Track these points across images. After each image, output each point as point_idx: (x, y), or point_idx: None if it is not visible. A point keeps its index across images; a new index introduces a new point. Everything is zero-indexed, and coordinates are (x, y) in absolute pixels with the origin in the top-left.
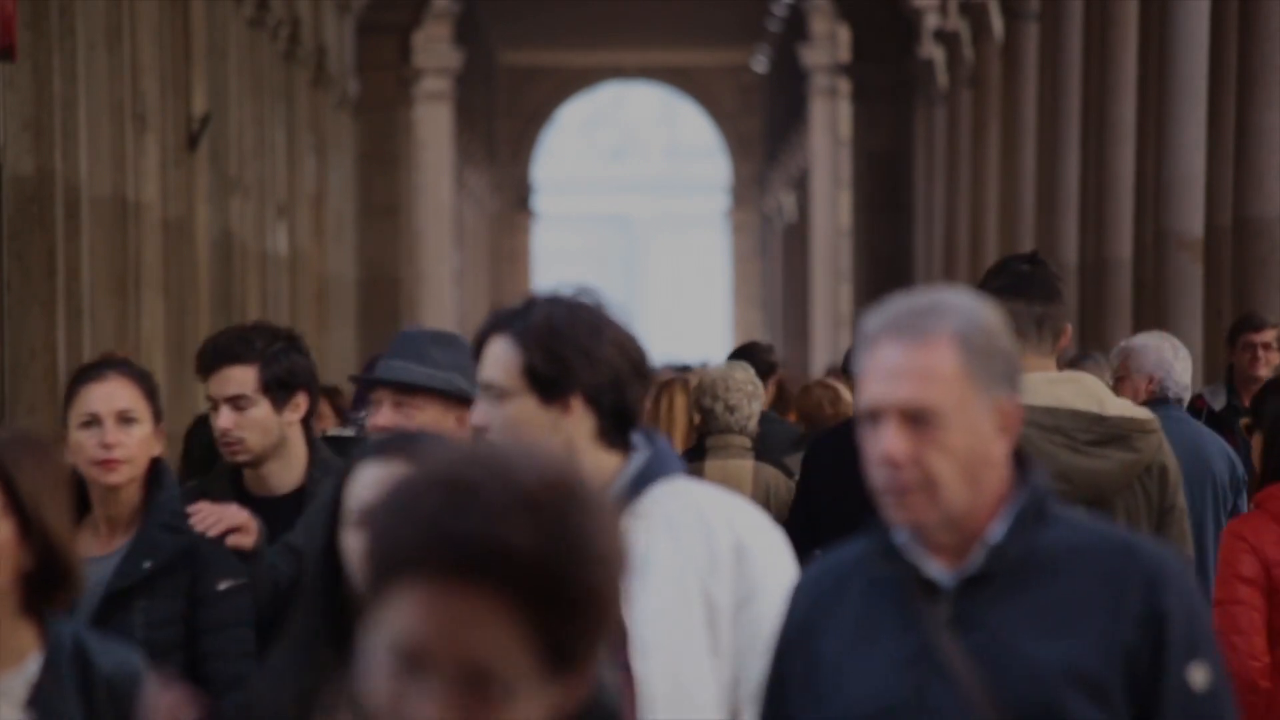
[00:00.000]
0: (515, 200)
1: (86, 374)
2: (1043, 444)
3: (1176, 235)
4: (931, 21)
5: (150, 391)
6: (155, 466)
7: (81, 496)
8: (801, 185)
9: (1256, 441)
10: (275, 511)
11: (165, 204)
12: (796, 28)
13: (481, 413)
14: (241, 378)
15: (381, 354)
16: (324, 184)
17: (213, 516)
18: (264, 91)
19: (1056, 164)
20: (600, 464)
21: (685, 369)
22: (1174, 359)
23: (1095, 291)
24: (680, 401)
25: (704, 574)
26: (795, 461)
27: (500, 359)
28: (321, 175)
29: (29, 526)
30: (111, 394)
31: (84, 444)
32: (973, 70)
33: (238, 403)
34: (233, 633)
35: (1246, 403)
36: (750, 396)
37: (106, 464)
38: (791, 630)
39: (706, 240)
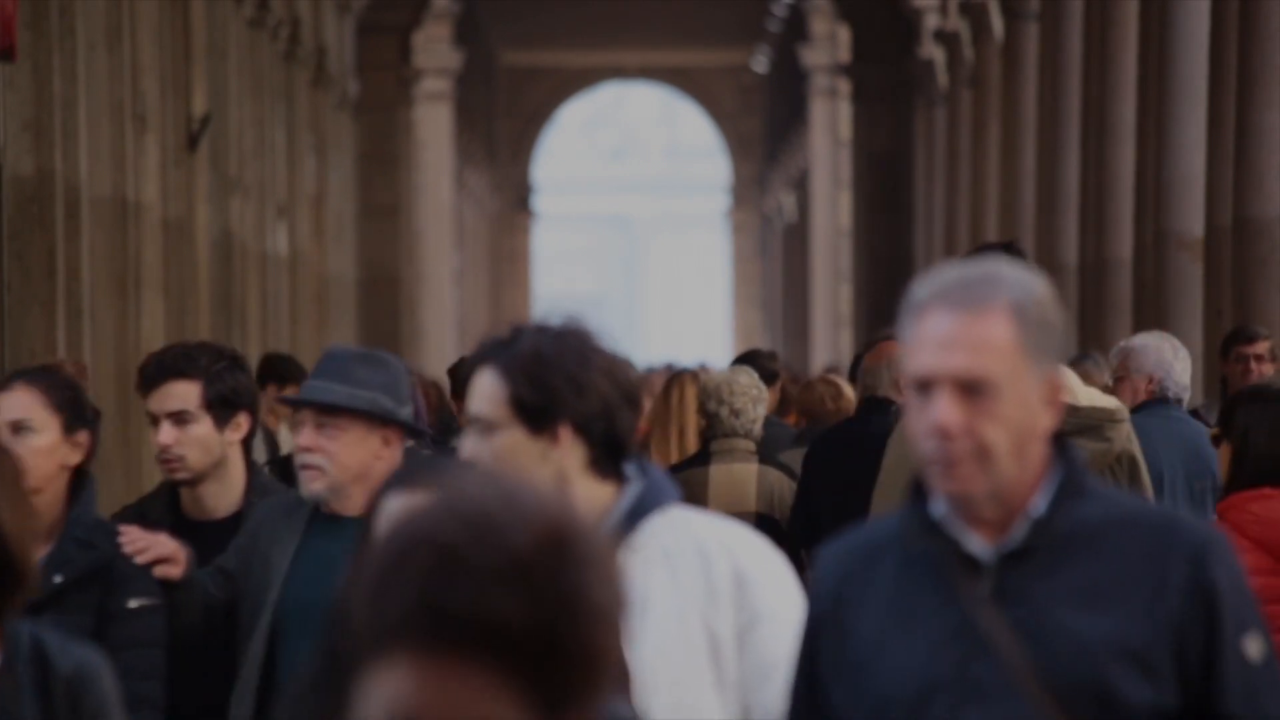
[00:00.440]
0: (515, 200)
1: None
2: None
3: (1177, 235)
4: (931, 22)
5: (61, 402)
6: (77, 478)
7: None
8: (801, 185)
9: (1224, 451)
10: (212, 536)
11: (165, 204)
12: (796, 28)
13: (470, 446)
14: (184, 393)
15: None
16: (324, 184)
17: (143, 542)
18: (264, 92)
19: (1057, 164)
20: (593, 495)
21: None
22: (1174, 359)
23: (1095, 291)
24: (691, 394)
25: (703, 606)
26: (794, 457)
27: (486, 391)
28: (321, 175)
29: None
30: (8, 405)
31: None
32: (973, 70)
33: (179, 418)
34: (140, 652)
35: None
36: (755, 401)
37: None
38: (821, 606)
39: (706, 240)
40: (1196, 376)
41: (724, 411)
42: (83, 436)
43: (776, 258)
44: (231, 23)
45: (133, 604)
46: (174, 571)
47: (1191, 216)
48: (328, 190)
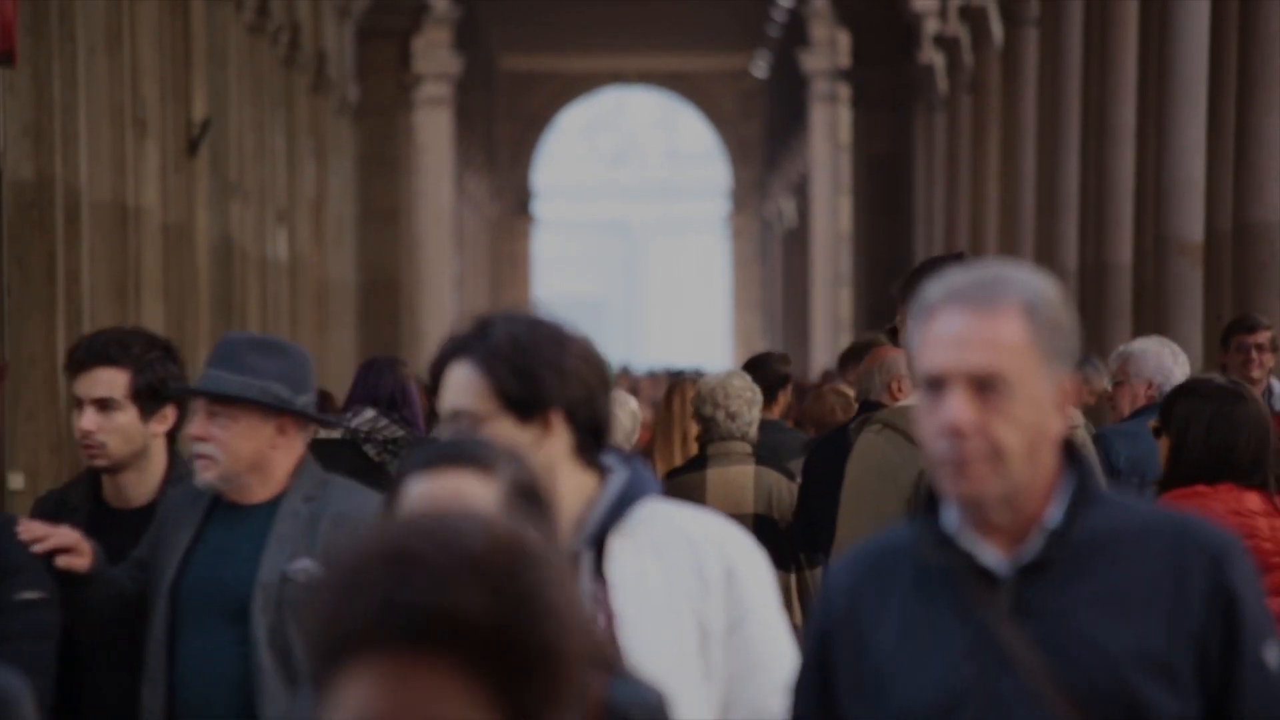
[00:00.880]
0: (515, 205)
1: None
2: None
3: (1176, 240)
4: (931, 27)
5: None
6: None
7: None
8: (801, 190)
9: (1163, 444)
10: (130, 524)
11: (165, 209)
12: (796, 33)
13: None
14: (111, 380)
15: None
16: (324, 189)
17: (40, 532)
18: (264, 96)
19: (1056, 168)
20: (579, 483)
21: (681, 374)
22: (1173, 364)
23: (1095, 296)
24: (691, 396)
25: (695, 598)
26: (799, 467)
27: (466, 385)
28: (321, 180)
29: None
30: None
31: None
32: (973, 75)
33: (104, 405)
34: (26, 645)
35: None
36: (750, 403)
37: None
38: (833, 619)
39: (706, 245)
40: None
41: (720, 415)
42: None
43: (776, 262)
44: (231, 28)
45: (22, 596)
46: (78, 563)
47: (1191, 221)
48: (328, 195)
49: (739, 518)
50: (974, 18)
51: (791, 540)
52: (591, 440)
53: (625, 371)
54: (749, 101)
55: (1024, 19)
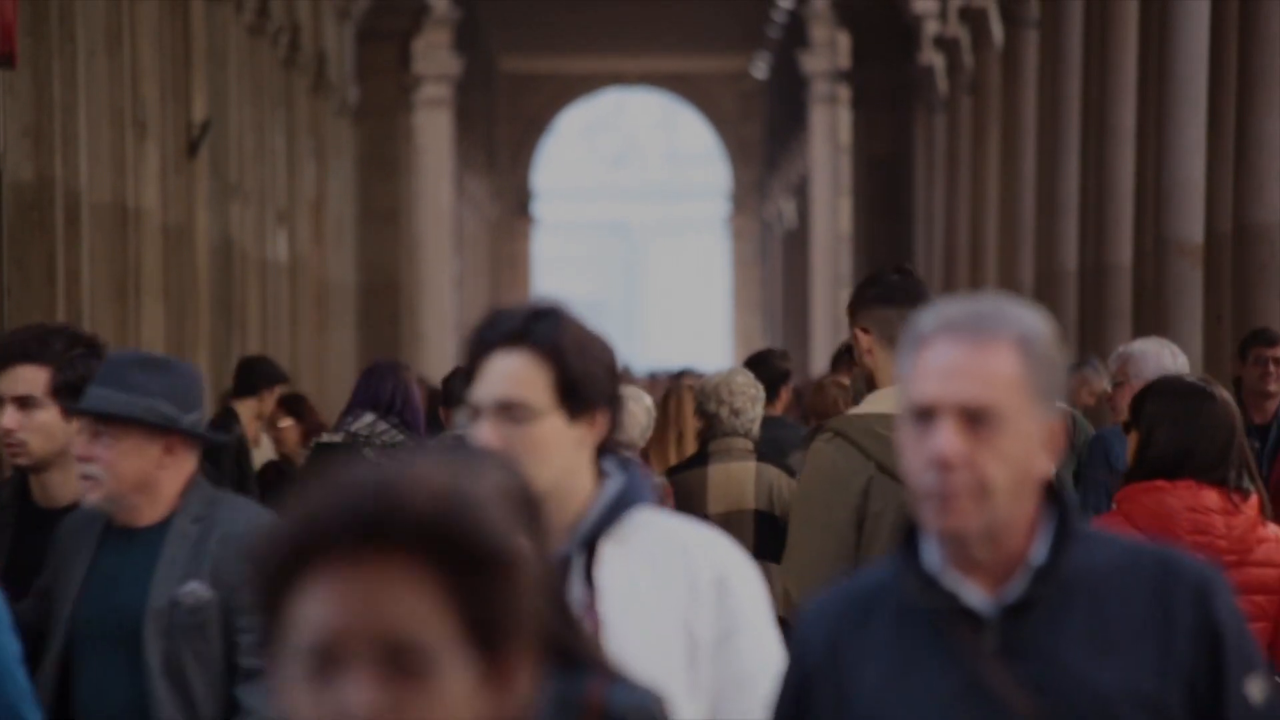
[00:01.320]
0: (515, 206)
1: None
2: (890, 452)
3: (1176, 241)
4: (931, 28)
5: None
6: None
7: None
8: (801, 191)
9: (1131, 439)
10: (57, 524)
11: (165, 210)
12: (796, 34)
13: (497, 433)
14: (32, 378)
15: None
16: (324, 190)
17: None
18: (264, 97)
19: (1056, 170)
20: (586, 485)
21: (679, 375)
22: (1172, 364)
23: (1095, 297)
24: (689, 401)
25: (685, 607)
26: (800, 460)
27: (520, 375)
28: (321, 181)
29: None
30: None
31: None
32: (973, 76)
33: (25, 403)
34: None
35: (1256, 418)
36: (753, 400)
37: None
38: (811, 665)
39: (706, 246)
40: None
41: (724, 411)
42: None
43: (776, 263)
44: (231, 28)
45: None
46: None
47: (1191, 222)
48: (328, 196)
49: (740, 514)
50: (974, 19)
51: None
52: (608, 443)
53: (626, 372)
54: (749, 102)
55: (1024, 20)
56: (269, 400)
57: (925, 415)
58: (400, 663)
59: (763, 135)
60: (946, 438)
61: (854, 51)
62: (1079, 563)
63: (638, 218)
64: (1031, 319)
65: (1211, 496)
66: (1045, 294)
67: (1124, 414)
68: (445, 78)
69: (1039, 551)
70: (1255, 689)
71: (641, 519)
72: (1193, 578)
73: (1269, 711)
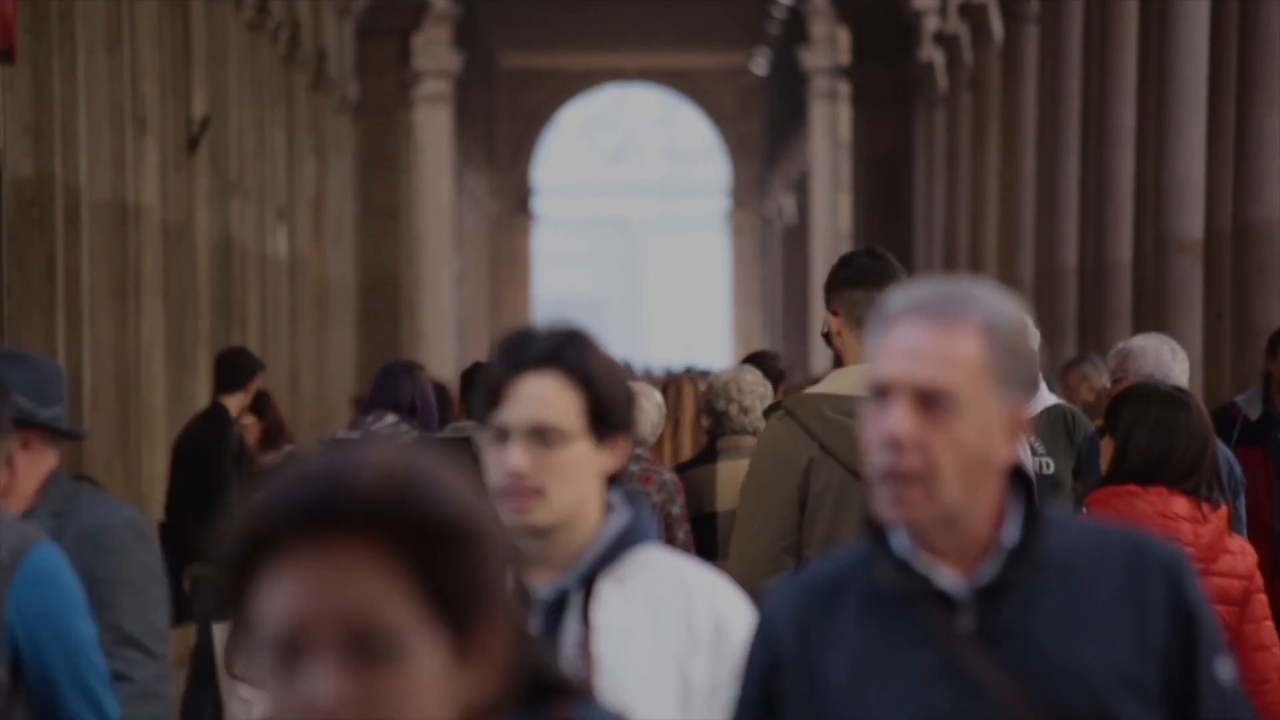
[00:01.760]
0: (515, 203)
1: None
2: (852, 434)
3: (1176, 239)
4: (931, 24)
5: None
6: None
7: None
8: (801, 188)
9: (1106, 444)
10: None
11: (165, 207)
12: (796, 30)
13: (524, 458)
14: None
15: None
16: (324, 187)
17: None
18: (264, 94)
19: (1056, 167)
20: (594, 517)
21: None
22: (1172, 361)
23: (1095, 294)
24: (689, 392)
25: (682, 650)
26: None
27: (554, 399)
28: (321, 178)
29: None
30: None
31: None
32: (973, 73)
33: None
34: None
35: None
36: (761, 399)
37: None
38: (779, 653)
39: (706, 243)
40: (1195, 379)
41: (733, 409)
42: None
43: (776, 260)
44: (231, 25)
45: None
46: None
47: (1191, 220)
48: (327, 193)
49: None
50: (974, 15)
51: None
52: (621, 474)
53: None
54: (749, 99)
55: (1024, 16)
56: (252, 392)
57: (882, 394)
58: (366, 646)
59: (762, 131)
60: (899, 418)
61: (854, 47)
62: (1051, 545)
63: (637, 214)
64: (1000, 304)
65: (1181, 504)
66: (1045, 291)
67: None
68: (445, 74)
69: (1010, 534)
70: (1223, 669)
71: (644, 558)
72: (1163, 559)
73: (1235, 691)
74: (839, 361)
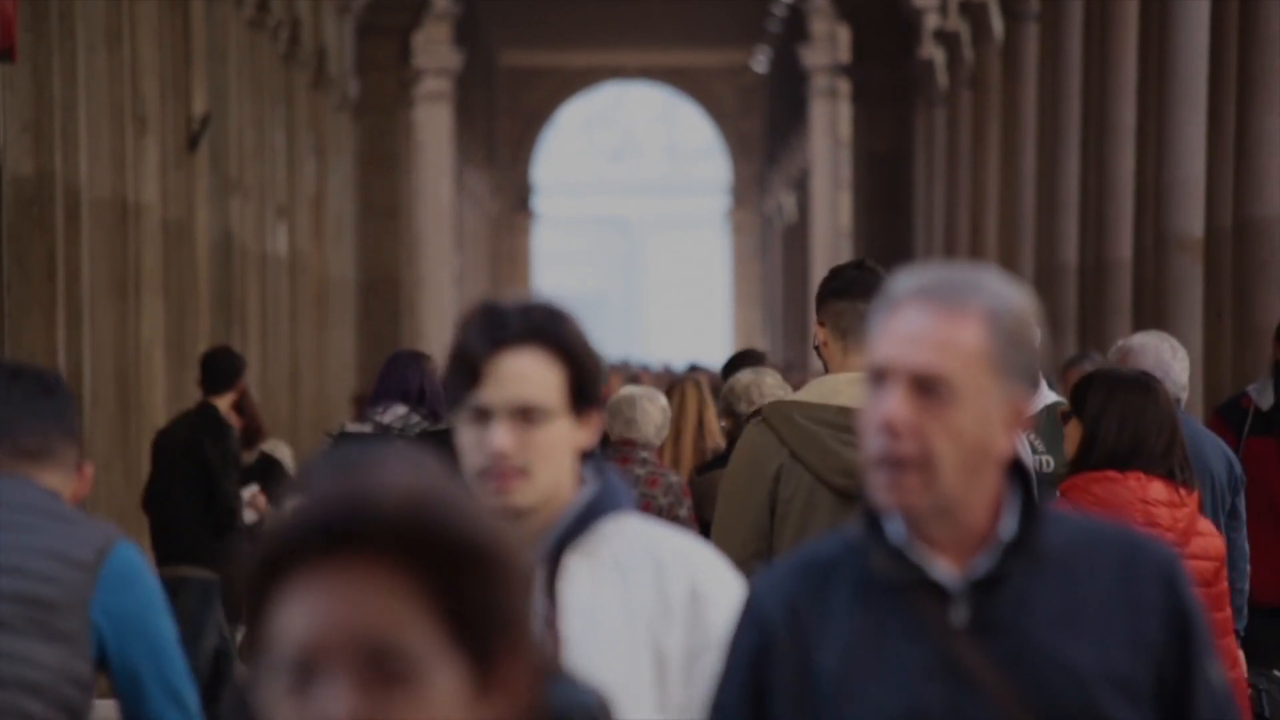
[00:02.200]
0: (515, 201)
1: None
2: (831, 442)
3: (1177, 237)
4: (932, 22)
5: None
6: None
7: None
8: (802, 186)
9: (1072, 429)
10: None
11: (165, 206)
12: (796, 28)
13: (509, 437)
14: None
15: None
16: (324, 185)
17: None
18: (264, 93)
19: (1057, 165)
20: (567, 493)
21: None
22: (1172, 359)
23: (1095, 293)
24: (692, 399)
25: (654, 622)
26: None
27: (538, 376)
28: (321, 176)
29: None
30: None
31: None
32: (973, 71)
33: None
34: None
35: None
36: None
37: None
38: (769, 636)
39: (706, 241)
40: (1195, 377)
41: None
42: None
43: (776, 258)
44: (231, 24)
45: None
46: None
47: (1192, 218)
48: (328, 191)
49: None
50: (974, 13)
51: None
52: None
53: (626, 366)
54: (749, 97)
55: (1024, 14)
56: (239, 392)
57: (879, 378)
58: (382, 668)
59: (763, 130)
60: (895, 403)
61: (854, 46)
62: (1048, 540)
63: (637, 212)
64: (1006, 292)
65: (1159, 488)
66: (1045, 289)
67: None
68: (445, 72)
69: (1008, 527)
70: (1215, 672)
71: (615, 528)
72: (1157, 559)
73: (1226, 693)
74: (828, 373)
